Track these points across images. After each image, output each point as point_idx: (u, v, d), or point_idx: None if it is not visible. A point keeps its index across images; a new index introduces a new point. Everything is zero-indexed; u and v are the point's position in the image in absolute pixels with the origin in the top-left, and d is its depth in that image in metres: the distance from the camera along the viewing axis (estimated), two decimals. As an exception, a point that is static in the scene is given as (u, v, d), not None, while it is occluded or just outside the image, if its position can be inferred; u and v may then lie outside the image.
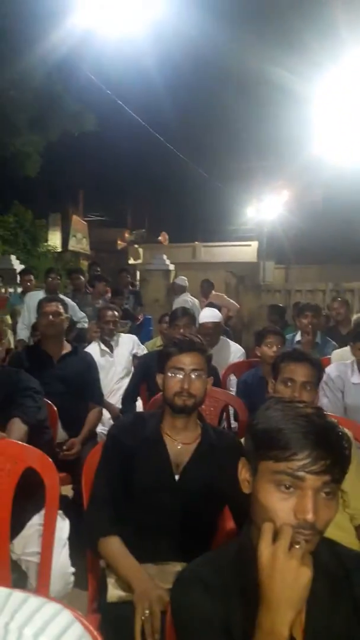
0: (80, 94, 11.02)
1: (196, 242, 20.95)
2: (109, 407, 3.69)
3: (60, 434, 3.01)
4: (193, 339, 1.90)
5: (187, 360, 1.82)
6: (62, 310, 3.18)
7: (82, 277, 6.47)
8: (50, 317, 3.13)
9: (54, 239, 18.90)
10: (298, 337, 4.12)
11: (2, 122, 10.14)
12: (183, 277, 7.66)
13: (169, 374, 1.83)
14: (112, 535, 1.68)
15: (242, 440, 1.97)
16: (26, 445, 1.94)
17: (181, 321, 3.48)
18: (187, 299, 5.63)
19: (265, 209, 18.10)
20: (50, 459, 1.88)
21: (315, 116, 10.07)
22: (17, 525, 2.04)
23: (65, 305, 3.32)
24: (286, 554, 0.93)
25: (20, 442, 1.96)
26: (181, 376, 1.80)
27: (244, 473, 1.11)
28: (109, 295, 7.63)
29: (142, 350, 4.43)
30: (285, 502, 0.98)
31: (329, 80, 8.63)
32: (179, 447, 1.82)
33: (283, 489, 0.99)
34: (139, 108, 11.06)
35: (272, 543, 0.96)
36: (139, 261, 19.62)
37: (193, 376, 1.81)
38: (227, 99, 14.23)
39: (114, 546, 1.66)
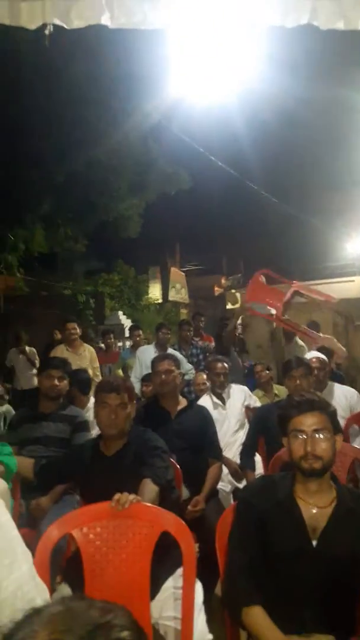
0: (174, 156, 11.68)
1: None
2: (227, 462, 3.67)
3: (183, 491, 3.04)
4: (312, 398, 1.87)
5: (308, 421, 1.78)
6: (174, 368, 3.27)
7: (191, 329, 6.64)
8: (163, 376, 3.23)
9: (155, 292, 19.67)
10: None
11: (106, 190, 11.00)
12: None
13: (292, 437, 1.81)
14: (256, 605, 1.65)
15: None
16: (161, 509, 1.98)
17: (297, 372, 3.41)
18: (302, 345, 5.48)
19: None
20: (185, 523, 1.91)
21: None
22: (152, 589, 2.06)
23: (177, 361, 3.41)
24: None
25: (155, 506, 2.02)
26: (304, 438, 1.77)
27: None
28: (213, 344, 7.69)
29: (254, 401, 4.38)
30: None
31: None
32: (314, 510, 1.77)
33: None
34: (229, 160, 11.45)
35: None
36: (237, 306, 19.69)
37: (317, 437, 1.77)
38: (315, 136, 14.27)
39: (258, 617, 1.63)
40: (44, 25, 3.61)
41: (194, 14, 3.45)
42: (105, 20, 3.49)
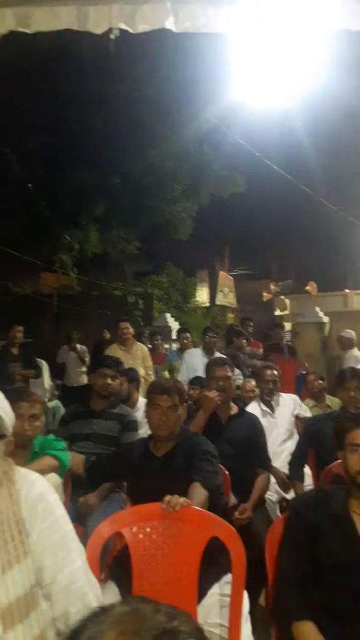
0: (229, 159, 11.65)
1: (347, 290, 20.13)
2: (274, 472, 3.61)
3: (230, 498, 3.02)
4: None
5: None
6: (230, 374, 3.24)
7: (239, 335, 6.59)
8: (221, 382, 3.19)
9: (202, 295, 19.65)
10: None
11: (161, 193, 11.11)
12: (349, 330, 7.31)
13: (348, 452, 1.77)
14: (306, 619, 1.61)
15: None
16: (211, 514, 1.97)
17: (351, 383, 3.31)
18: (358, 355, 5.30)
19: None
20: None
21: None
22: (199, 594, 2.05)
23: (232, 367, 3.38)
24: None
25: (205, 510, 2.00)
26: None
27: None
28: (261, 350, 7.60)
29: (304, 411, 4.29)
30: None
31: None
32: None
33: None
34: (286, 164, 11.29)
35: None
36: (286, 312, 19.40)
37: None
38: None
39: (309, 632, 1.59)
40: (110, 30, 3.68)
41: (258, 18, 3.42)
42: (170, 24, 3.52)
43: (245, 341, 6.67)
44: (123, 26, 3.66)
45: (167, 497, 1.95)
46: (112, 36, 3.78)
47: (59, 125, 9.17)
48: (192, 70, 8.66)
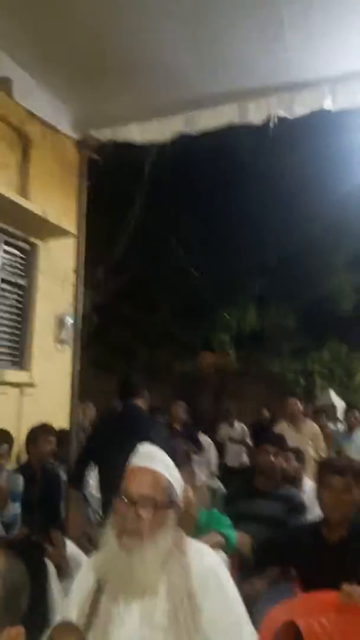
0: None
1: None
2: None
3: None
4: None
5: None
6: None
7: None
8: None
9: (369, 370, 18.32)
10: None
11: (322, 267, 10.99)
12: None
13: None
14: None
15: None
16: None
17: None
18: None
19: None
20: None
21: None
22: None
23: None
24: None
25: None
26: None
27: None
28: None
29: None
30: None
31: None
32: None
33: None
34: None
35: None
36: None
37: None
38: None
39: None
40: (268, 119, 3.90)
41: None
42: (328, 104, 3.63)
43: None
44: (282, 114, 3.86)
45: (347, 588, 1.74)
46: (271, 124, 4.00)
47: (219, 210, 9.78)
48: (350, 141, 8.68)
